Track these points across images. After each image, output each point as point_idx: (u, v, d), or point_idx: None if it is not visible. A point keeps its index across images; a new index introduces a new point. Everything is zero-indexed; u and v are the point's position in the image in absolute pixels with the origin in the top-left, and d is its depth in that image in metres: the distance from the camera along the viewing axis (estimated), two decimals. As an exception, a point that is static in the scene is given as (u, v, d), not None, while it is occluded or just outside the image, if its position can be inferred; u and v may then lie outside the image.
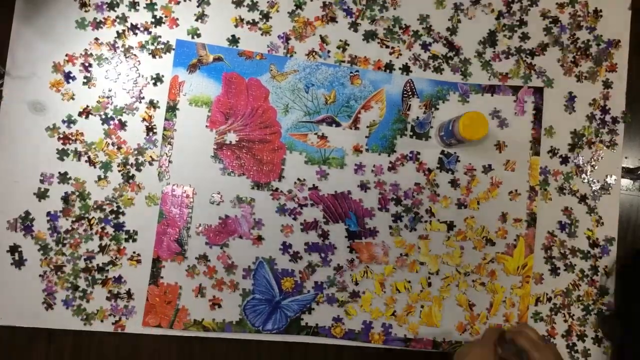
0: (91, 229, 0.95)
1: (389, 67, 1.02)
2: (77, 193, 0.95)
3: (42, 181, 0.95)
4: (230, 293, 0.97)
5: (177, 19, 0.99)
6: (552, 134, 1.03)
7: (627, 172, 1.04)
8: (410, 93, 1.02)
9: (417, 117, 1.02)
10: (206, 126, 0.98)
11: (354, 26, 1.02)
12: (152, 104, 0.97)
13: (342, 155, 1.00)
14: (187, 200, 0.97)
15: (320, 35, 1.01)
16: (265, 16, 1.00)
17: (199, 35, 0.99)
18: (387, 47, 1.02)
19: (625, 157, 1.04)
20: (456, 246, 1.01)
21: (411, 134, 1.01)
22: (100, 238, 0.95)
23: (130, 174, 0.96)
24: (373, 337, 0.98)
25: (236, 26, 1.00)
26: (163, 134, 0.97)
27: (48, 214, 0.95)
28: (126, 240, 0.96)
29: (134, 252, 0.96)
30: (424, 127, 1.02)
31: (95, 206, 0.95)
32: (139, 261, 0.96)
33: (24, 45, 0.96)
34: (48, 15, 0.96)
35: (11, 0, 0.96)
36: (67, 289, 0.94)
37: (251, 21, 1.00)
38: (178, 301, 0.96)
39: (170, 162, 0.97)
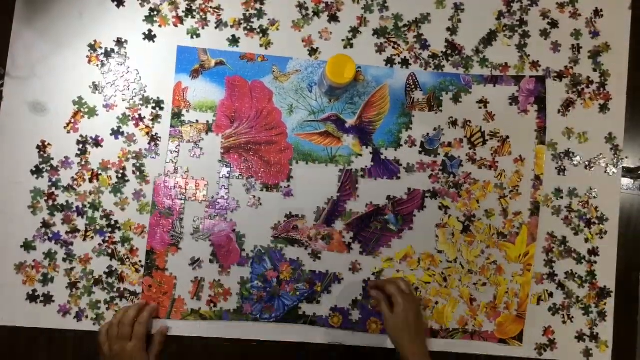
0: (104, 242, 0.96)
1: (390, 61, 1.02)
2: (86, 204, 0.96)
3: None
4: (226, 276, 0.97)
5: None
6: (556, 147, 1.04)
7: (628, 172, 1.05)
8: (413, 86, 1.02)
9: (427, 134, 1.02)
10: (212, 131, 0.98)
11: (354, 31, 1.02)
12: (156, 107, 0.97)
13: (349, 153, 1.00)
14: (179, 192, 0.97)
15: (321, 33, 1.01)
16: (264, 32, 1.00)
17: (198, 36, 0.98)
18: (390, 43, 1.02)
19: (626, 157, 1.05)
20: (478, 247, 1.01)
21: (420, 149, 1.01)
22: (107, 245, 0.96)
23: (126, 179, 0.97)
24: (370, 327, 0.99)
25: (232, 26, 0.99)
26: (169, 140, 0.97)
27: (44, 223, 0.95)
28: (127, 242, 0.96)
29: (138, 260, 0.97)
30: (434, 144, 1.02)
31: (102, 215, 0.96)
32: (138, 270, 0.97)
33: (24, 46, 0.95)
34: (48, 16, 0.96)
35: (11, 1, 0.95)
36: (86, 304, 0.95)
37: (249, 28, 1.00)
38: (174, 291, 0.96)
39: (176, 168, 0.97)
